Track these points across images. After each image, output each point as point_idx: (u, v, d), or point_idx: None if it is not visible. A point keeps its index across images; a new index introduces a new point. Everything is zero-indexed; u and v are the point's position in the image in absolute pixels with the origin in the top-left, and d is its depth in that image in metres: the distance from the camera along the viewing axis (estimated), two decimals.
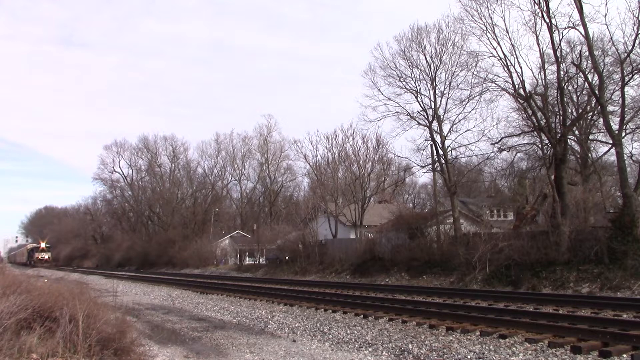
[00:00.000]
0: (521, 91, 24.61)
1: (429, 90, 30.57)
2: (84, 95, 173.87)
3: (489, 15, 24.44)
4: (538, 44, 23.84)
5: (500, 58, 24.53)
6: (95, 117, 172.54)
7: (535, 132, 25.33)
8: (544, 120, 24.10)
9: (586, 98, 26.31)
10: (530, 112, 24.58)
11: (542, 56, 23.97)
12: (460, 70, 29.06)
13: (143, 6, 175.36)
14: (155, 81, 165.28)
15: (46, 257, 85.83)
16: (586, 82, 23.96)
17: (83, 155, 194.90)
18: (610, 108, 24.03)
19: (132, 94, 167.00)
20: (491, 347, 8.90)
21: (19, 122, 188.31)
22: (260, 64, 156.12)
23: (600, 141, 27.93)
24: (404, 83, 30.72)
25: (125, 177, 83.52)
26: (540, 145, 25.87)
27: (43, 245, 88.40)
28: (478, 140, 29.24)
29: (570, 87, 26.12)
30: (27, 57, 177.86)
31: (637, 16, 20.99)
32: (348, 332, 10.97)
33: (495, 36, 24.48)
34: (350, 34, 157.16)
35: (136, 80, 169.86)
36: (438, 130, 30.21)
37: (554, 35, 23.05)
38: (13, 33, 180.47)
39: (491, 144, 27.18)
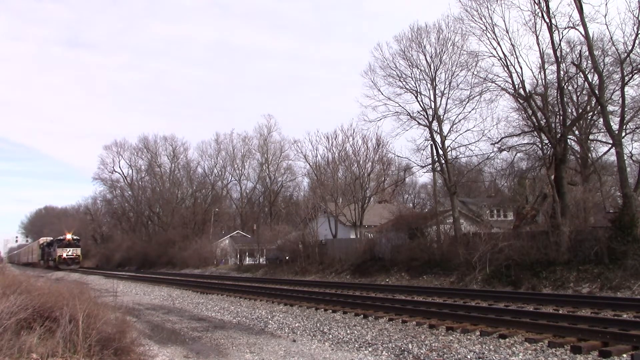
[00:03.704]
0: (521, 91, 24.62)
1: (429, 90, 30.58)
2: (85, 95, 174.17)
3: (489, 15, 24.47)
4: (538, 44, 23.88)
5: (500, 58, 24.55)
6: (95, 117, 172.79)
7: (535, 132, 25.32)
8: (544, 120, 24.09)
9: (586, 98, 26.31)
10: (530, 112, 24.58)
11: (542, 56, 24.00)
12: (460, 70, 29.05)
13: (147, 7, 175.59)
14: (157, 82, 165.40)
15: (74, 254, 60.70)
16: (586, 82, 23.97)
17: (83, 155, 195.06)
18: (610, 108, 24.03)
19: (132, 94, 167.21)
20: (491, 347, 8.91)
21: (20, 122, 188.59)
22: (261, 64, 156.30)
23: (600, 141, 27.95)
24: (404, 83, 30.73)
25: (125, 177, 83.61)
26: (540, 145, 25.87)
27: (69, 236, 61.65)
28: (478, 140, 29.18)
29: (570, 87, 26.12)
30: (33, 58, 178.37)
31: (637, 16, 21.02)
32: (348, 332, 10.96)
33: (495, 36, 24.50)
34: (351, 34, 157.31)
35: (138, 81, 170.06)
36: (438, 130, 30.20)
37: (554, 35, 23.07)
38: (19, 34, 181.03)
39: (491, 144, 27.20)
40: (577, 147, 28.49)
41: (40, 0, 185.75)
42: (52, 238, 70.15)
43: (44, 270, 57.83)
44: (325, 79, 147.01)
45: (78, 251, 62.16)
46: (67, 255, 59.90)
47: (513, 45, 24.14)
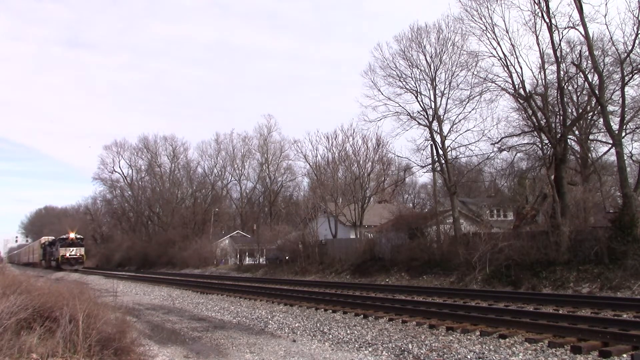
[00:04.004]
0: (521, 91, 24.63)
1: (429, 90, 30.59)
2: (85, 95, 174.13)
3: (489, 15, 24.49)
4: (538, 44, 23.89)
5: (500, 58, 24.57)
6: (95, 117, 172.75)
7: (535, 132, 25.33)
8: (544, 120, 24.10)
9: (586, 98, 26.31)
10: (530, 112, 24.59)
11: (542, 56, 24.02)
12: (460, 70, 29.06)
13: (147, 7, 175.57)
14: (157, 82, 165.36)
15: (77, 254, 58.32)
16: (586, 82, 23.97)
17: (83, 155, 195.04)
18: (610, 108, 24.04)
19: (132, 94, 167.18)
20: (491, 347, 8.91)
21: (20, 122, 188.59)
22: (261, 64, 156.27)
23: (600, 141, 27.96)
24: (404, 83, 30.73)
25: (125, 177, 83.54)
26: (540, 145, 25.89)
27: (73, 235, 59.01)
28: (478, 140, 29.23)
29: (570, 87, 26.12)
30: (33, 58, 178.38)
31: (637, 16, 21.03)
32: (348, 332, 10.96)
33: (495, 36, 24.52)
34: (351, 34, 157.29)
35: (138, 81, 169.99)
36: (438, 130, 30.21)
37: (554, 35, 23.08)
38: (19, 34, 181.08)
39: (491, 144, 27.22)
40: (577, 147, 28.50)
41: (40, 0, 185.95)
42: (54, 237, 67.58)
43: (45, 270, 57.01)
44: (325, 79, 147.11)
45: (82, 251, 59.48)
46: (70, 255, 57.47)
47: (513, 45, 24.20)
